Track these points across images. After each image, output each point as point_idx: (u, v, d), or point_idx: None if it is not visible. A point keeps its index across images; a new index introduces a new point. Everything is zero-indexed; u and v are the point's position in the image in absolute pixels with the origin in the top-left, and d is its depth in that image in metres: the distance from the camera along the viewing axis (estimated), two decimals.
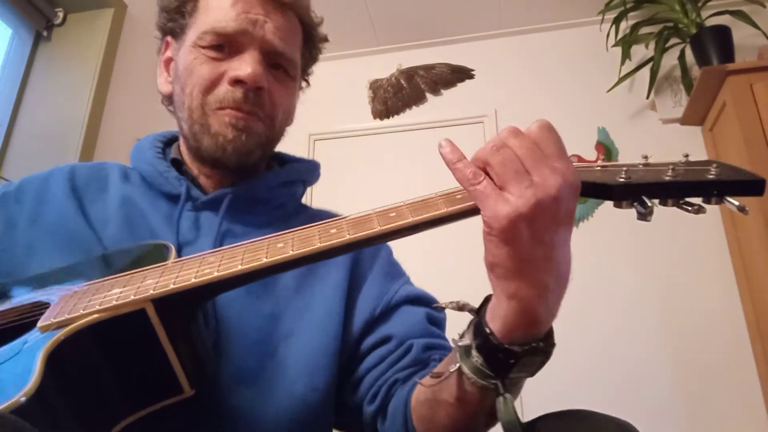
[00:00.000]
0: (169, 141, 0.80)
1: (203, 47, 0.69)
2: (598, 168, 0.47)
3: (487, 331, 0.46)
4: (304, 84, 0.85)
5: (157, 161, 0.74)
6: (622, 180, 0.44)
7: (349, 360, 0.69)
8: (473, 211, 0.46)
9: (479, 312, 0.49)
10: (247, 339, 0.62)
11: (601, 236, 2.07)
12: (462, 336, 0.49)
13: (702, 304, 1.93)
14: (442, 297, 0.75)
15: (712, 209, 2.20)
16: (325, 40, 0.83)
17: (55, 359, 0.44)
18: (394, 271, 0.77)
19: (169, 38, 0.77)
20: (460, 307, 0.51)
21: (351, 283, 0.71)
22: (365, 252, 0.76)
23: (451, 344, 0.50)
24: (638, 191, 0.44)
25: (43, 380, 0.42)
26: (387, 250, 0.80)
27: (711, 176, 0.43)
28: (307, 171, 0.82)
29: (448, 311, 0.58)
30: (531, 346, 0.45)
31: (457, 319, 0.60)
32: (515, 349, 0.45)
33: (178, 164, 0.75)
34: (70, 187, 0.72)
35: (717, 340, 1.87)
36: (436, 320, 0.72)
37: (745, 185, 0.43)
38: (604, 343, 1.92)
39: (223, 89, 0.68)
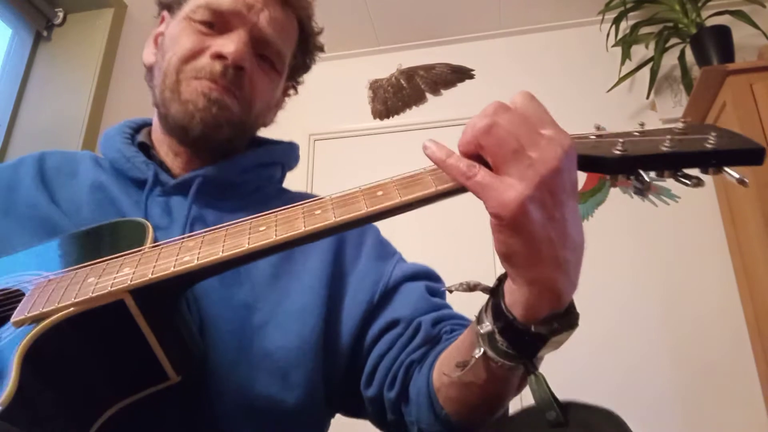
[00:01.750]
0: (139, 127, 0.79)
1: (194, 20, 0.69)
2: (593, 138, 0.45)
3: (510, 317, 0.44)
4: (291, 91, 0.84)
5: (124, 147, 0.72)
6: (618, 152, 0.42)
7: (355, 353, 0.67)
8: (465, 189, 0.44)
9: (496, 292, 0.46)
10: (222, 330, 0.60)
11: (601, 236, 2.07)
12: (480, 320, 0.47)
13: (702, 303, 1.92)
14: (443, 275, 0.74)
15: (712, 210, 2.19)
16: (321, 50, 0.82)
17: (32, 357, 0.43)
18: (385, 252, 0.74)
19: (165, 13, 0.76)
20: (472, 288, 0.48)
21: (335, 270, 0.69)
22: (349, 236, 0.73)
23: (462, 318, 0.48)
24: (635, 164, 0.42)
25: (20, 383, 0.40)
26: (374, 230, 0.77)
27: (710, 145, 0.41)
28: (283, 153, 0.79)
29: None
30: (555, 325, 0.43)
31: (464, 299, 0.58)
32: (542, 331, 0.43)
33: (146, 149, 0.73)
34: (39, 174, 0.70)
35: (717, 339, 1.87)
36: (435, 291, 0.70)
37: (745, 154, 0.40)
38: (604, 342, 1.92)
39: (204, 61, 0.68)
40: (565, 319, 0.44)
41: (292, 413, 0.61)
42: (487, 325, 0.46)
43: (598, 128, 0.46)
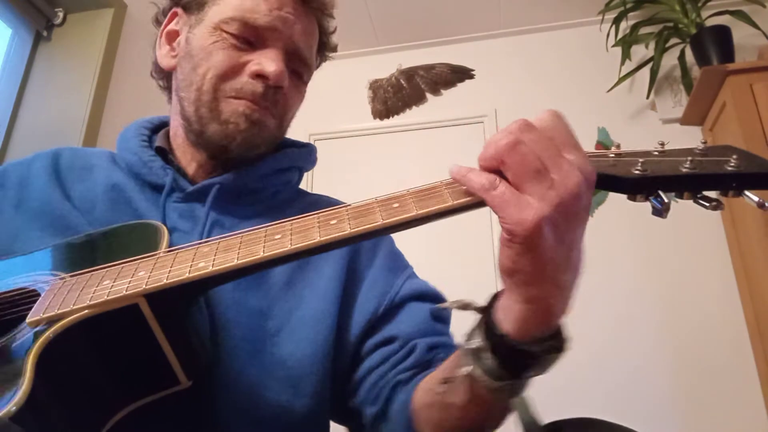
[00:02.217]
0: (156, 127, 0.77)
1: (227, 32, 0.67)
2: (612, 157, 0.44)
3: (500, 333, 0.44)
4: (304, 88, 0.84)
5: (141, 150, 0.71)
6: (638, 173, 0.41)
7: (351, 360, 0.66)
8: (482, 203, 0.44)
9: (488, 311, 0.46)
10: (235, 336, 0.60)
11: (601, 236, 2.07)
12: (470, 338, 0.47)
13: (702, 304, 1.92)
14: (444, 289, 0.74)
15: (712, 210, 2.20)
16: (334, 49, 0.80)
17: (46, 359, 0.43)
18: (398, 265, 0.73)
19: (178, 10, 0.73)
20: (464, 306, 0.48)
21: (348, 278, 0.68)
22: (363, 244, 0.72)
23: (458, 345, 0.47)
24: (654, 185, 0.41)
25: (33, 385, 0.40)
26: (388, 239, 0.76)
27: (731, 168, 0.40)
28: (301, 157, 0.78)
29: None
30: (547, 345, 0.43)
31: (462, 316, 0.58)
32: (534, 349, 0.43)
33: (163, 153, 0.72)
34: (53, 170, 0.70)
35: (717, 340, 1.87)
36: (441, 316, 0.69)
37: (766, 178, 0.40)
38: (604, 343, 1.92)
39: (243, 80, 0.66)
40: (555, 340, 0.44)
41: (300, 420, 0.61)
42: (477, 342, 0.46)
43: (617, 147, 0.45)
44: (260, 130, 0.67)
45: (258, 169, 0.72)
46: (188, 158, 0.72)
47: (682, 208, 2.26)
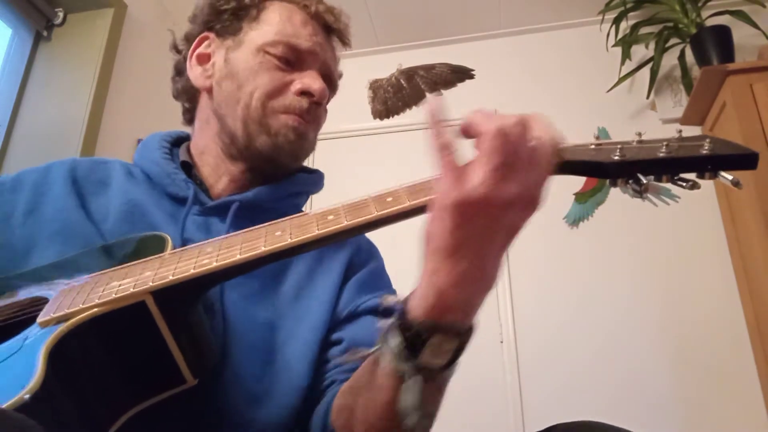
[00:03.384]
0: (175, 141, 0.80)
1: (271, 54, 0.73)
2: (593, 147, 0.47)
3: (401, 307, 0.46)
4: None
5: (165, 162, 0.74)
6: (616, 158, 0.44)
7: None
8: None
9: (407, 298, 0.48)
10: (246, 345, 0.63)
11: (601, 236, 2.07)
12: (387, 321, 0.49)
13: (702, 304, 1.93)
14: None
15: (712, 210, 2.19)
16: (340, 77, 0.86)
17: (57, 355, 0.44)
18: (377, 284, 0.76)
19: (210, 34, 0.78)
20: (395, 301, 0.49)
21: (340, 288, 0.73)
22: (356, 259, 0.76)
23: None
24: (633, 168, 0.44)
25: (45, 377, 0.41)
26: (377, 261, 0.80)
27: (705, 151, 0.43)
28: (314, 183, 0.84)
29: None
30: (438, 327, 0.44)
31: None
32: (423, 327, 0.44)
33: (186, 167, 0.76)
34: (70, 180, 0.71)
35: (717, 340, 1.87)
36: None
37: (739, 159, 0.43)
38: (604, 343, 1.92)
39: (291, 97, 0.72)
40: (448, 327, 0.44)
41: (305, 420, 0.64)
42: (386, 322, 0.47)
43: (596, 138, 0.49)
44: (304, 142, 0.74)
45: (275, 190, 0.76)
46: (220, 172, 0.76)
47: (682, 207, 2.26)
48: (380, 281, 0.78)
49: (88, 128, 1.80)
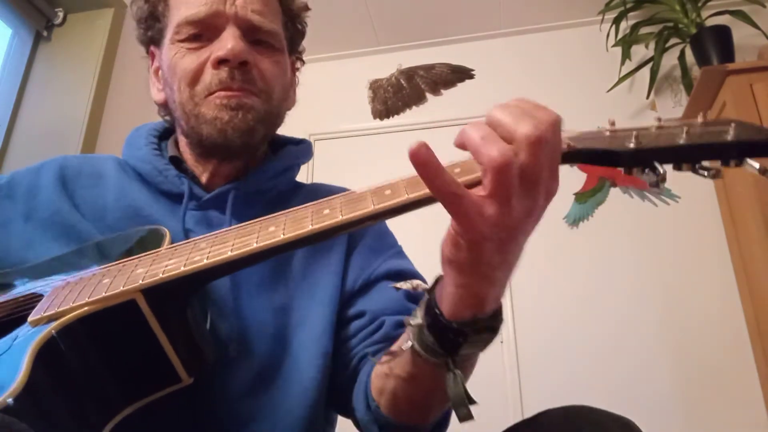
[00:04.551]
0: (164, 133, 0.79)
1: (181, 41, 0.68)
2: (607, 133, 0.44)
3: (437, 311, 0.46)
4: (299, 64, 0.83)
5: (154, 158, 0.72)
6: (632, 145, 0.41)
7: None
8: (471, 187, 0.43)
9: (432, 291, 0.49)
10: (266, 334, 0.63)
11: (601, 236, 2.07)
12: (414, 315, 0.50)
13: (702, 304, 1.92)
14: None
15: (712, 210, 2.18)
16: (306, 8, 0.80)
17: (45, 355, 0.43)
18: (382, 244, 0.76)
19: (153, 48, 0.76)
20: (414, 288, 0.52)
21: (346, 258, 0.72)
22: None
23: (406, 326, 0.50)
24: (650, 156, 0.41)
25: (30, 378, 0.41)
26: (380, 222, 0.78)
27: (730, 137, 0.40)
28: (302, 153, 0.81)
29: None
30: (478, 326, 0.46)
31: None
32: (463, 328, 0.45)
33: (176, 161, 0.74)
34: (60, 181, 0.70)
35: (717, 340, 1.87)
36: (415, 296, 0.71)
37: (766, 145, 0.39)
38: (604, 343, 1.92)
39: (209, 75, 0.67)
40: (487, 322, 0.46)
41: (321, 398, 0.64)
42: (417, 319, 0.49)
43: (612, 123, 0.45)
44: (245, 113, 0.67)
45: (267, 171, 0.74)
46: (200, 170, 0.74)
47: (682, 207, 2.26)
48: (386, 241, 0.77)
49: (88, 128, 1.80)
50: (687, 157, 0.41)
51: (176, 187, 0.70)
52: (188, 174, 0.73)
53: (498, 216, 0.39)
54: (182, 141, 0.76)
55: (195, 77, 0.67)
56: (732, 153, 0.40)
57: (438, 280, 0.49)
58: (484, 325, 0.46)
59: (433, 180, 0.39)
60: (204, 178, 0.73)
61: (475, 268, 0.43)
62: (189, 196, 0.69)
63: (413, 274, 0.73)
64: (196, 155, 0.73)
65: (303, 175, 0.80)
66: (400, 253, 0.77)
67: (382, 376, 0.58)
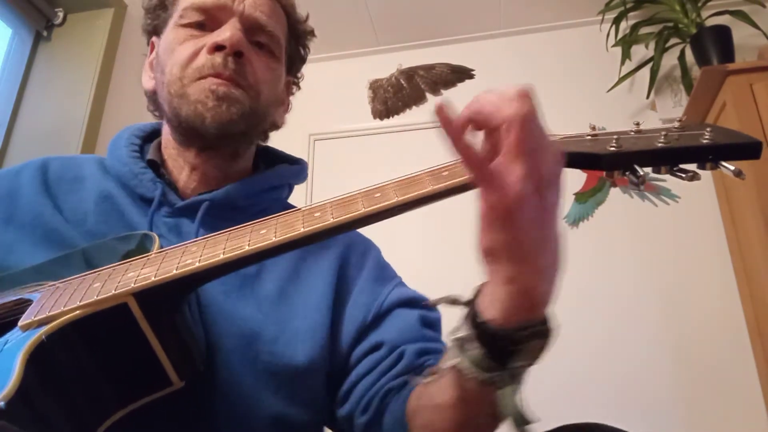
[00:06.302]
0: (148, 135, 0.77)
1: (184, 26, 0.68)
2: (588, 138, 0.45)
3: (483, 320, 0.43)
4: (294, 88, 0.83)
5: (132, 161, 0.71)
6: (612, 149, 0.42)
7: (340, 370, 0.66)
8: (461, 189, 0.44)
9: (473, 302, 0.46)
10: (228, 345, 0.60)
11: (601, 236, 2.07)
12: (456, 330, 0.46)
13: (702, 304, 1.92)
14: (440, 291, 0.74)
15: (712, 210, 2.18)
16: (312, 34, 0.80)
17: (36, 359, 0.43)
18: (385, 275, 0.73)
19: (154, 39, 0.75)
20: (452, 301, 0.47)
21: (338, 290, 0.69)
22: (352, 256, 0.72)
23: (447, 343, 0.47)
24: (629, 159, 0.42)
25: (22, 382, 0.40)
26: (375, 252, 0.77)
27: (705, 141, 0.41)
28: (292, 174, 0.78)
29: (444, 308, 0.54)
30: (531, 330, 0.42)
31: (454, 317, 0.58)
32: (515, 334, 0.42)
33: (154, 166, 0.72)
34: (42, 183, 0.69)
35: (717, 340, 1.87)
36: (430, 322, 0.69)
37: (741, 148, 0.41)
38: (604, 343, 1.92)
39: (202, 58, 0.66)
40: (539, 327, 0.43)
41: (296, 429, 0.62)
42: (462, 332, 0.45)
43: (593, 128, 0.46)
44: (229, 105, 0.66)
45: (247, 185, 0.71)
46: (180, 163, 0.72)
47: (682, 207, 2.26)
48: (387, 272, 0.75)
49: (88, 128, 1.80)
50: (665, 160, 0.42)
51: (150, 192, 0.68)
52: (165, 179, 0.71)
53: (526, 169, 0.38)
54: (165, 135, 0.74)
55: (188, 60, 0.67)
56: (707, 156, 0.41)
57: (478, 292, 0.46)
58: (537, 330, 0.43)
59: (465, 159, 0.39)
60: (183, 177, 0.72)
61: (517, 250, 0.40)
62: (162, 202, 0.68)
63: (425, 300, 0.71)
64: (178, 144, 0.72)
65: None
66: (402, 283, 0.75)
67: (423, 409, 0.54)
